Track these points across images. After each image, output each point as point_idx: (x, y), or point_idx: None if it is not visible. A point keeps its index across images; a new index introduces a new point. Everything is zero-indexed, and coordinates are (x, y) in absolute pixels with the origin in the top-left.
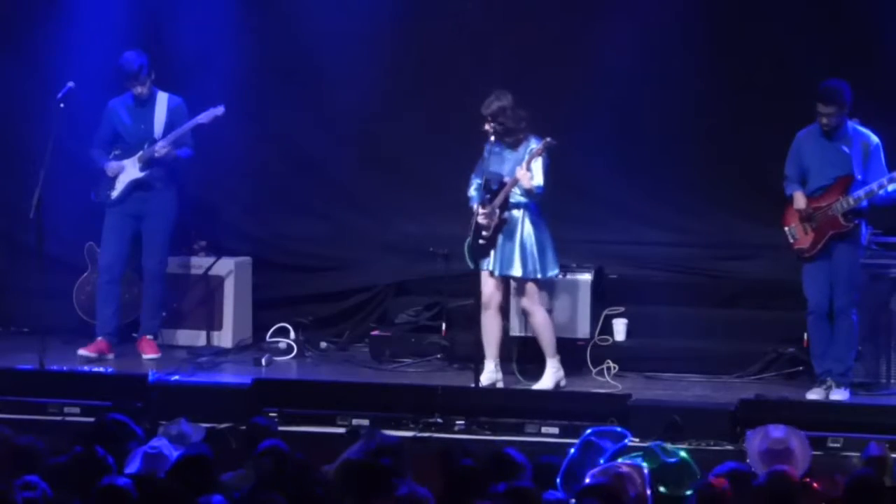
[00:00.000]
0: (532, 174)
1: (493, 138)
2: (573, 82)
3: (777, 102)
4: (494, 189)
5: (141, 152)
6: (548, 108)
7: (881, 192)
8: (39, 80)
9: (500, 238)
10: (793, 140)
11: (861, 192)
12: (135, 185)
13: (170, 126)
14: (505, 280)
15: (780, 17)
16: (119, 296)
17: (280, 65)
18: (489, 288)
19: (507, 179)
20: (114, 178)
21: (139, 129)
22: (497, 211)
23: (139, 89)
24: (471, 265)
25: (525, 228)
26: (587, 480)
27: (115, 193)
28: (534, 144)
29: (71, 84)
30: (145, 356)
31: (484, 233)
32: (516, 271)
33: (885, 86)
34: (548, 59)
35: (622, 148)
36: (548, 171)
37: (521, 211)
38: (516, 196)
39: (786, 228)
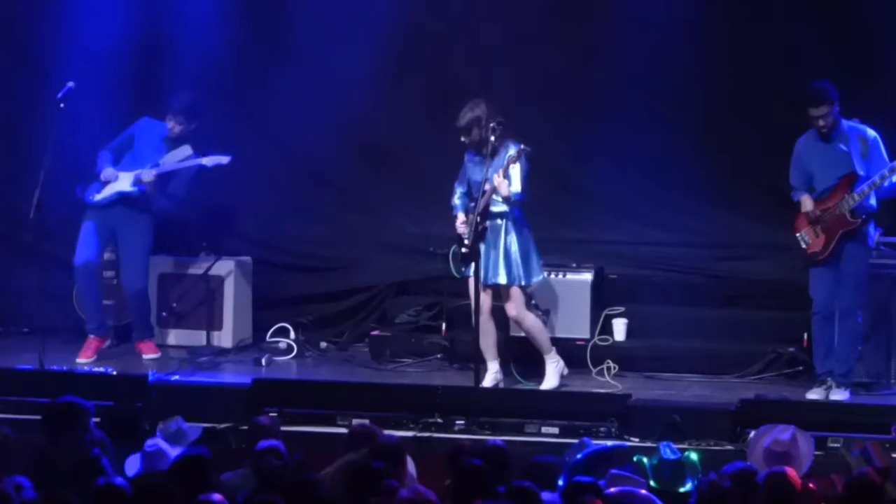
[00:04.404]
0: (510, 181)
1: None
2: (573, 83)
3: (778, 103)
4: (476, 197)
5: (140, 171)
6: (548, 109)
7: (884, 183)
8: (39, 80)
9: (484, 247)
10: (793, 144)
11: (865, 186)
12: (119, 198)
13: (173, 172)
14: (493, 287)
15: (782, 18)
16: (100, 287)
17: (281, 65)
18: (477, 294)
19: (486, 187)
20: (104, 183)
21: (151, 154)
22: (478, 219)
23: (171, 125)
24: (454, 273)
25: (508, 236)
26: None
27: (98, 196)
28: (512, 150)
29: (71, 84)
30: (145, 356)
31: (465, 241)
32: (501, 279)
33: (886, 86)
34: (549, 60)
35: (622, 148)
36: (527, 178)
37: (504, 219)
38: (498, 204)
39: (797, 235)
